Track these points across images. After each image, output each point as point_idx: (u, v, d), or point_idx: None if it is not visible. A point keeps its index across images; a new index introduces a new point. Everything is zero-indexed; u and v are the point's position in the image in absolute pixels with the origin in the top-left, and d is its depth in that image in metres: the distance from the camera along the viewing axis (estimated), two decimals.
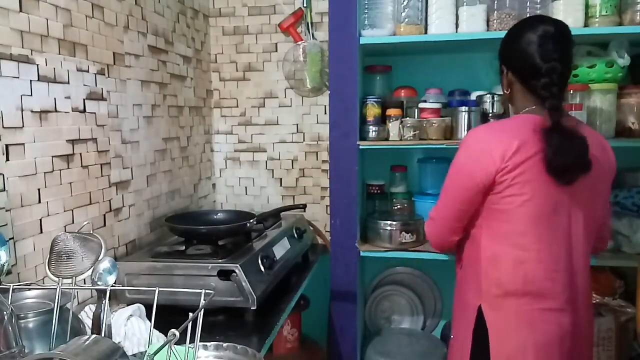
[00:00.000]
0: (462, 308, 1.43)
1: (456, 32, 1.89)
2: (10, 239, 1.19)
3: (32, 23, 1.26)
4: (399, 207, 2.21)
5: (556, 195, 1.27)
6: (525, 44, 1.31)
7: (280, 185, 2.38)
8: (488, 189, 1.29)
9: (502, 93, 1.48)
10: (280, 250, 1.76)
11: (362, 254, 2.04)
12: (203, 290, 0.92)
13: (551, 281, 1.28)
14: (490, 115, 1.98)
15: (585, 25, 1.81)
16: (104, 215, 1.57)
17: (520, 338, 1.29)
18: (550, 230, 1.28)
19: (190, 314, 0.84)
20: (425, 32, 1.93)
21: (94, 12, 1.50)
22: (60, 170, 1.36)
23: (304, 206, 2.17)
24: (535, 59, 1.29)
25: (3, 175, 1.17)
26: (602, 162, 1.32)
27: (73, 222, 1.41)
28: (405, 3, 1.92)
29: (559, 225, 1.29)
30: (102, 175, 1.55)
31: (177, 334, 0.75)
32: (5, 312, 0.88)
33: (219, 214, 1.93)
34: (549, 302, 1.28)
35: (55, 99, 1.34)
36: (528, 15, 1.71)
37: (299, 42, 2.24)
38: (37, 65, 1.27)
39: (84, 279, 1.04)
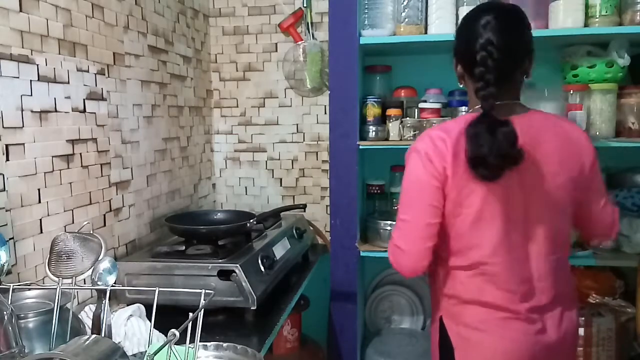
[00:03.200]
0: (432, 321, 1.39)
1: None
2: (10, 239, 1.19)
3: (32, 23, 1.26)
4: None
5: (503, 199, 1.19)
6: (465, 36, 1.26)
7: (280, 185, 2.38)
8: (442, 190, 1.21)
9: None
10: (280, 250, 1.76)
11: (362, 254, 2.04)
12: (203, 290, 0.92)
13: (508, 292, 1.21)
14: None
15: (585, 25, 1.81)
16: (104, 215, 1.57)
17: (485, 348, 1.22)
18: (504, 240, 1.20)
19: (190, 314, 0.84)
20: (425, 32, 1.94)
21: (94, 12, 1.50)
22: (60, 170, 1.36)
23: (304, 206, 2.17)
24: (474, 48, 1.21)
25: (3, 175, 1.17)
26: (560, 164, 1.22)
27: (73, 222, 1.41)
28: (405, 3, 1.92)
29: (512, 231, 1.21)
30: (102, 175, 1.55)
31: (177, 334, 0.75)
32: (5, 312, 0.88)
33: (219, 214, 1.93)
34: (509, 313, 1.21)
35: (55, 99, 1.34)
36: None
37: (299, 42, 2.24)
38: (37, 65, 1.27)
39: (84, 279, 1.04)
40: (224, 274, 1.45)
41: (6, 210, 1.18)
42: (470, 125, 1.17)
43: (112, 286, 0.98)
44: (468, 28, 1.26)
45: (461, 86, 1.36)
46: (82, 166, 1.45)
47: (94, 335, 0.81)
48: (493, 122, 1.15)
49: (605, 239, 1.51)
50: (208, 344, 1.10)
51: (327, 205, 2.25)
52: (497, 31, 1.20)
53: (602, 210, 1.35)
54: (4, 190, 1.18)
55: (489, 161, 1.14)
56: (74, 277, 1.02)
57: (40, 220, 1.29)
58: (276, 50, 2.31)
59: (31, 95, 1.26)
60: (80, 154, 1.45)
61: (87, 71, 1.47)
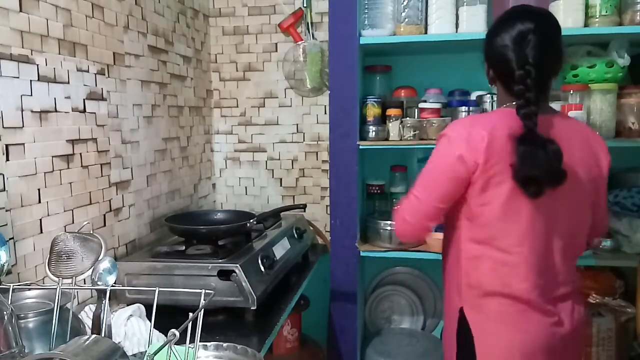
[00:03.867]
0: (447, 311, 1.41)
1: (456, 32, 1.89)
2: (10, 239, 1.19)
3: (32, 23, 1.26)
4: None
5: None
6: (501, 46, 1.25)
7: (280, 185, 2.38)
8: (466, 180, 1.24)
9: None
10: (280, 250, 1.76)
11: (362, 254, 2.04)
12: (203, 290, 0.92)
13: (530, 285, 1.24)
14: None
15: (585, 25, 1.81)
16: (104, 215, 1.57)
17: (505, 339, 1.26)
18: (530, 232, 1.23)
19: (190, 314, 0.84)
20: (425, 32, 1.94)
21: (94, 12, 1.50)
22: (60, 170, 1.36)
23: (304, 206, 2.17)
24: (510, 63, 1.23)
25: (3, 175, 1.17)
26: (585, 165, 1.26)
27: (73, 222, 1.41)
28: (405, 3, 1.92)
29: (537, 223, 1.24)
30: (102, 175, 1.55)
31: (177, 334, 0.75)
32: (5, 312, 0.88)
33: (219, 214, 1.93)
34: (530, 305, 1.25)
35: (55, 99, 1.34)
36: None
37: (299, 42, 2.24)
38: (37, 65, 1.27)
39: (84, 279, 1.04)
40: (224, 274, 1.45)
41: (6, 210, 1.18)
42: (519, 143, 1.19)
43: (112, 286, 0.98)
44: (503, 36, 1.26)
45: (492, 87, 1.37)
46: (82, 166, 1.45)
47: (94, 335, 0.81)
48: (542, 141, 1.18)
49: (599, 237, 1.53)
50: (208, 344, 1.10)
51: (327, 205, 2.26)
52: (536, 47, 1.21)
53: (604, 210, 1.40)
54: (4, 190, 1.18)
55: (540, 180, 1.18)
56: (74, 277, 1.02)
57: (40, 220, 1.29)
58: (276, 50, 2.31)
59: (31, 95, 1.26)
60: (80, 154, 1.44)
61: (87, 71, 1.47)
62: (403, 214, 1.36)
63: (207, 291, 0.92)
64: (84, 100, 1.46)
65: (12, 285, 0.99)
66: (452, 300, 1.38)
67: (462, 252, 1.31)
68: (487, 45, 1.33)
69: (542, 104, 1.25)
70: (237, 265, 1.44)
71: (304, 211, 2.18)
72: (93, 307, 1.12)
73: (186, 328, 0.82)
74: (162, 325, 1.01)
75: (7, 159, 1.19)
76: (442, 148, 1.30)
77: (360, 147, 1.99)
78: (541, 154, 1.17)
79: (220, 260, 1.49)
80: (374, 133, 2.04)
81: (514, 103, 1.25)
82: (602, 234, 1.49)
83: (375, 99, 2.05)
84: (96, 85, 1.51)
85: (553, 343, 1.25)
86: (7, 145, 1.18)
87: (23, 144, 1.23)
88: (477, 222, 1.27)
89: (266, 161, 2.38)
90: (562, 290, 1.28)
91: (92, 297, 1.46)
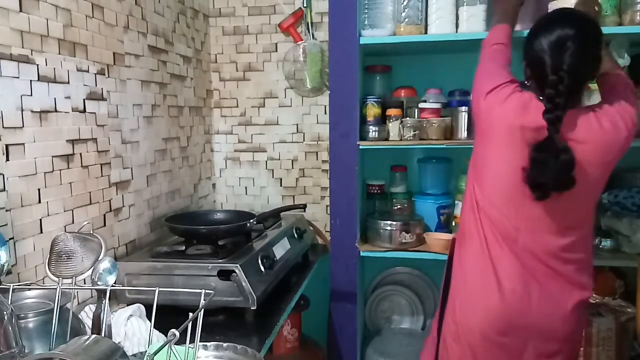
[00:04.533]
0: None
1: (456, 32, 1.89)
2: (10, 239, 1.19)
3: (32, 23, 1.26)
4: (399, 207, 2.21)
5: None
6: (538, 49, 1.29)
7: (280, 185, 2.38)
8: None
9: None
10: (280, 250, 1.76)
11: (362, 254, 2.04)
12: (203, 290, 0.92)
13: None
14: None
15: None
16: (104, 215, 1.57)
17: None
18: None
19: (190, 314, 0.84)
20: (425, 32, 1.93)
21: (94, 12, 1.50)
22: (60, 170, 1.36)
23: (304, 206, 2.17)
24: (545, 67, 1.27)
25: (3, 175, 1.17)
26: (599, 164, 1.30)
27: (73, 222, 1.41)
28: (405, 3, 1.92)
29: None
30: (102, 175, 1.55)
31: (177, 334, 0.75)
32: (5, 312, 0.88)
33: (219, 214, 1.93)
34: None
35: (55, 99, 1.34)
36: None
37: (299, 42, 2.24)
38: (37, 65, 1.27)
39: (84, 279, 1.04)
40: (224, 274, 1.45)
41: (6, 210, 1.18)
42: (535, 149, 1.25)
43: (112, 286, 0.98)
44: (541, 40, 1.28)
45: (525, 82, 1.40)
46: (82, 166, 1.45)
47: (94, 335, 0.81)
48: (557, 151, 1.22)
49: None
50: (208, 344, 1.10)
51: (327, 205, 2.25)
52: (573, 54, 1.23)
53: None
54: (4, 190, 1.18)
55: (548, 187, 1.25)
56: (74, 277, 1.02)
57: (40, 220, 1.29)
58: (276, 50, 2.31)
59: (31, 95, 1.26)
60: (80, 154, 1.44)
61: (87, 71, 1.47)
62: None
63: (207, 291, 0.93)
64: (84, 100, 1.46)
65: (12, 285, 0.99)
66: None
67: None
68: (527, 45, 1.36)
69: (570, 104, 1.28)
70: (237, 265, 1.44)
71: (304, 211, 2.18)
72: (93, 307, 1.12)
73: (186, 328, 0.82)
74: (162, 325, 1.01)
75: (7, 159, 1.19)
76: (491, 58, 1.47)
77: (360, 147, 1.99)
78: (552, 163, 1.21)
79: (220, 260, 1.49)
80: (374, 133, 2.03)
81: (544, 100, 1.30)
82: None
83: (375, 99, 2.05)
84: (96, 85, 1.51)
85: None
86: (7, 145, 1.18)
87: (23, 144, 1.23)
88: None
89: (266, 161, 2.38)
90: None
91: (92, 297, 1.46)
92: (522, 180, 1.28)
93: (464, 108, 2.00)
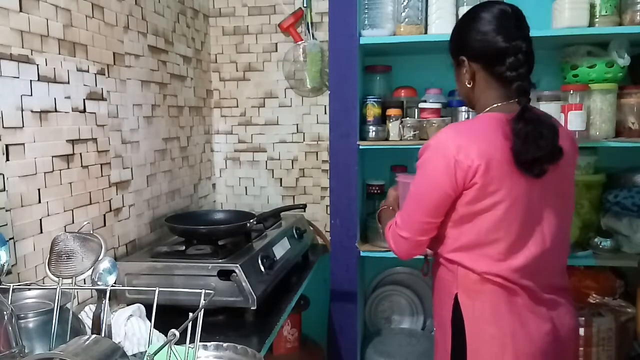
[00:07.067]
0: (439, 298, 1.42)
1: None
2: (10, 239, 1.19)
3: (32, 23, 1.26)
4: None
5: (529, 193, 1.19)
6: (484, 26, 1.23)
7: (280, 185, 2.38)
8: (456, 198, 1.22)
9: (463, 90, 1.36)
10: (280, 250, 1.76)
11: (362, 254, 2.04)
12: (203, 290, 0.92)
13: (524, 278, 1.22)
14: None
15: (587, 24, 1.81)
16: (104, 215, 1.57)
17: (497, 329, 1.23)
18: (524, 230, 1.20)
19: (190, 314, 0.84)
20: (425, 32, 1.94)
21: (94, 12, 1.50)
22: (60, 170, 1.36)
23: (304, 206, 2.17)
24: (498, 40, 1.21)
25: (3, 175, 1.17)
26: (567, 149, 1.24)
27: (73, 222, 1.41)
28: (405, 3, 1.92)
29: (532, 224, 1.21)
30: (102, 175, 1.55)
31: (177, 334, 0.75)
32: (5, 312, 0.88)
33: (219, 214, 1.93)
34: (525, 299, 1.23)
35: (55, 99, 1.34)
36: None
37: (299, 42, 2.24)
38: (37, 65, 1.27)
39: (84, 279, 1.04)
40: (224, 274, 1.45)
41: (6, 210, 1.18)
42: (518, 122, 1.16)
43: (112, 286, 0.98)
44: (479, 20, 1.24)
45: (469, 85, 1.30)
46: (82, 166, 1.45)
47: (94, 335, 0.81)
48: (538, 120, 1.16)
49: None
50: (208, 344, 1.10)
51: (327, 205, 2.25)
52: (518, 21, 1.22)
53: None
54: (4, 190, 1.18)
55: (543, 160, 1.16)
56: (74, 277, 1.02)
57: (40, 220, 1.29)
58: (276, 50, 2.31)
59: (31, 95, 1.26)
60: (80, 154, 1.44)
61: (87, 71, 1.47)
62: (398, 231, 1.32)
63: (207, 291, 0.93)
64: (84, 100, 1.46)
65: (12, 285, 0.99)
66: (445, 287, 1.40)
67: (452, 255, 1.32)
68: (463, 35, 1.29)
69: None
70: (237, 265, 1.44)
71: (304, 211, 2.18)
72: (93, 307, 1.12)
73: (186, 328, 0.82)
74: (162, 325, 1.01)
75: (7, 159, 1.19)
76: (434, 162, 1.23)
77: (360, 147, 1.99)
78: (540, 131, 1.15)
79: (220, 260, 1.49)
80: (374, 133, 2.03)
81: (499, 105, 1.24)
82: None
83: (375, 99, 2.05)
84: (96, 85, 1.51)
85: (550, 342, 1.24)
86: (7, 145, 1.18)
87: (23, 144, 1.23)
88: (465, 229, 1.24)
89: (266, 161, 2.38)
90: (556, 287, 1.29)
91: (92, 297, 1.46)
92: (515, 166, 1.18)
93: (464, 108, 2.00)
